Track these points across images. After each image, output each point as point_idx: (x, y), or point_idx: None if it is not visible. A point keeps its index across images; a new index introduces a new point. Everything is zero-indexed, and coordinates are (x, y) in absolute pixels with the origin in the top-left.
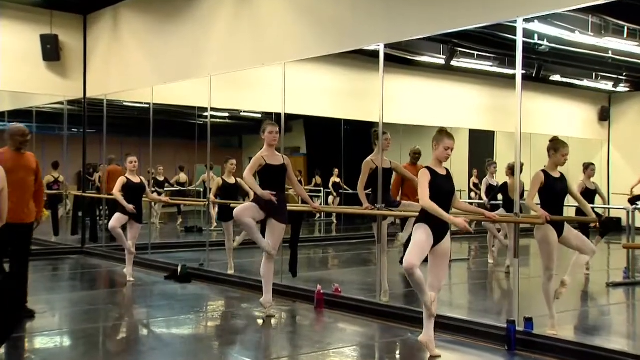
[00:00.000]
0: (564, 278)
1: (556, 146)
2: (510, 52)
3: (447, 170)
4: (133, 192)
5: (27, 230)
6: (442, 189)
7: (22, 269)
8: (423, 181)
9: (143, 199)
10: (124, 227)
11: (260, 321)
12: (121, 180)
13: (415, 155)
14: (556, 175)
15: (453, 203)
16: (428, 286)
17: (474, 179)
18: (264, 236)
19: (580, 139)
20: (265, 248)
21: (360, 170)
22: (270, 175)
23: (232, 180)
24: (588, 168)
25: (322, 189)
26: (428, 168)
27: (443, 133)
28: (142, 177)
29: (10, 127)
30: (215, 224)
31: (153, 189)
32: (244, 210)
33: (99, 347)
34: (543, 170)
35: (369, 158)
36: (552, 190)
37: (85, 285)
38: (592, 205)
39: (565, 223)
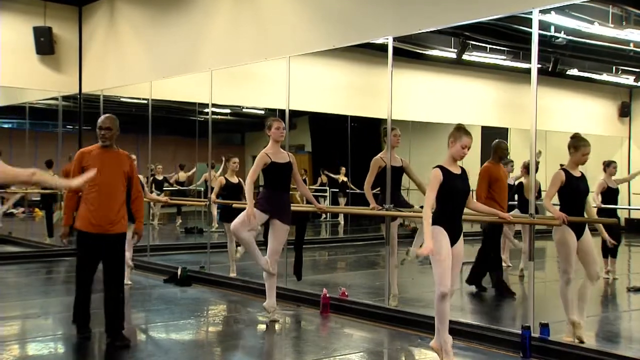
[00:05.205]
0: (574, 320)
1: (577, 144)
2: (525, 45)
3: (462, 168)
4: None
5: (114, 243)
6: (456, 189)
7: (113, 291)
8: (432, 184)
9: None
10: None
11: (263, 326)
12: None
13: (505, 152)
14: (577, 174)
15: (467, 203)
16: None
17: None
18: (266, 237)
19: (599, 136)
20: (263, 266)
21: (368, 169)
22: (276, 174)
23: (234, 180)
24: (610, 166)
25: (327, 188)
26: (441, 167)
27: (461, 130)
28: (139, 176)
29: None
30: (217, 225)
31: (151, 190)
32: (241, 224)
33: (95, 353)
34: (564, 169)
35: (378, 156)
36: (574, 190)
37: None
38: (614, 207)
39: (587, 229)
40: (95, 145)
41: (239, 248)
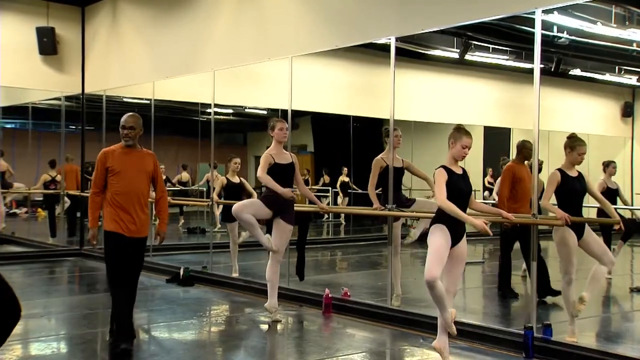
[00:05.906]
0: (582, 294)
1: (572, 144)
2: (527, 45)
3: (463, 169)
4: None
5: (137, 246)
6: (459, 188)
7: (126, 292)
8: (440, 181)
9: None
10: None
11: (265, 326)
12: None
13: (530, 152)
14: (574, 174)
15: (470, 204)
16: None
17: (488, 178)
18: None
19: (602, 136)
20: (265, 244)
21: (370, 169)
22: (279, 175)
23: (236, 180)
24: (609, 166)
25: (330, 188)
26: (444, 167)
27: (461, 131)
28: None
29: None
30: (219, 225)
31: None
32: (244, 206)
33: (97, 353)
34: (559, 169)
35: (379, 156)
36: (570, 190)
37: (84, 289)
38: (613, 206)
39: (587, 226)
40: (118, 145)
41: (243, 233)
